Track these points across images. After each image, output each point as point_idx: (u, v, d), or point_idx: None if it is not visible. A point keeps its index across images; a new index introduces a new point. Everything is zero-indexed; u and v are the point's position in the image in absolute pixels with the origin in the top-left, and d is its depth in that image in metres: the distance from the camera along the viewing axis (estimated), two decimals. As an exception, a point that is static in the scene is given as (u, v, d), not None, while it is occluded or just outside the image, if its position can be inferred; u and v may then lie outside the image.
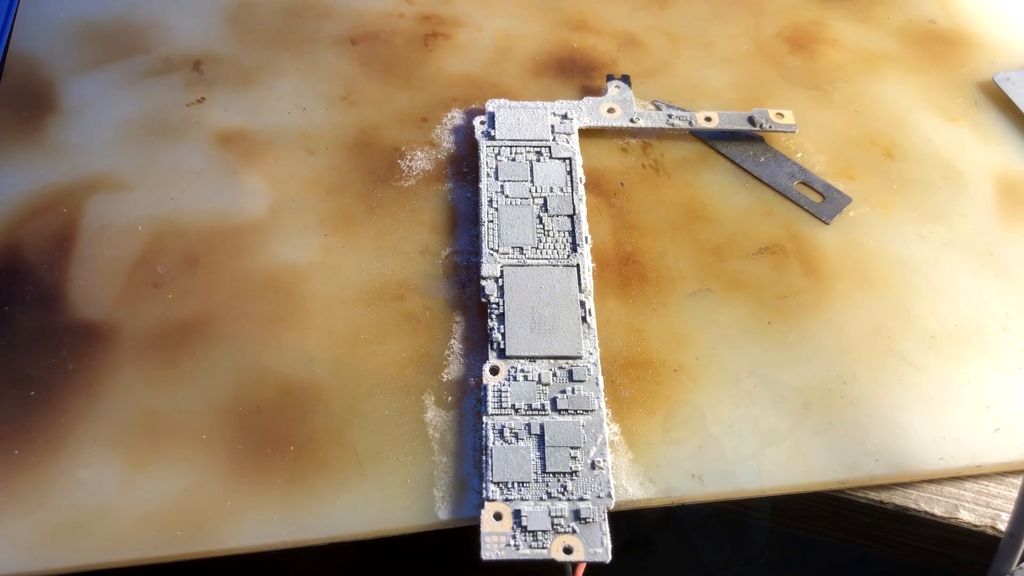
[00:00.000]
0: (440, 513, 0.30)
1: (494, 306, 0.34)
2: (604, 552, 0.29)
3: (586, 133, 0.40)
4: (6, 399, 0.32)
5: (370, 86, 0.41)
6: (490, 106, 0.39)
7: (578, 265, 0.35)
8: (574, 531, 0.29)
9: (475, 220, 0.37)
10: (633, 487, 0.31)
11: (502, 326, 0.33)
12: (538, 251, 0.35)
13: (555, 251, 0.35)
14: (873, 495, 0.32)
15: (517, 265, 0.35)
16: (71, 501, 0.30)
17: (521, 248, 0.35)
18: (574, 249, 0.35)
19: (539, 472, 0.30)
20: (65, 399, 0.32)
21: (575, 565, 0.29)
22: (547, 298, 0.34)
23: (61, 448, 0.31)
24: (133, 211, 0.36)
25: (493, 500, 0.30)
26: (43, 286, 0.34)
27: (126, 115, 0.39)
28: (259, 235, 0.36)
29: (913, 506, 0.32)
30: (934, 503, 0.32)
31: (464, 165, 0.39)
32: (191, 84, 0.40)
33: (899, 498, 0.32)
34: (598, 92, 0.41)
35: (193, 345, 0.33)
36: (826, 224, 0.38)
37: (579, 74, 0.42)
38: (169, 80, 0.41)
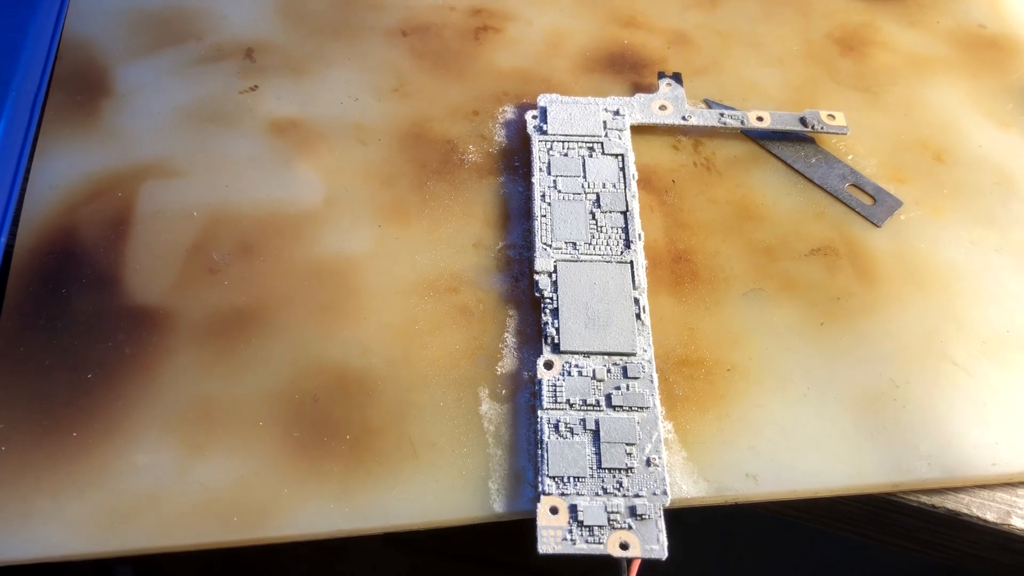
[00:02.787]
0: (495, 506, 0.30)
1: (548, 301, 0.34)
2: (660, 549, 0.29)
3: (637, 130, 0.40)
4: (64, 382, 0.32)
5: (422, 78, 0.41)
6: (542, 100, 0.39)
7: (632, 261, 0.35)
8: (630, 527, 0.29)
9: (527, 215, 0.37)
10: (687, 485, 0.31)
11: (556, 321, 0.33)
12: (591, 247, 0.35)
13: (608, 247, 0.35)
14: (924, 499, 0.32)
15: (570, 260, 0.35)
16: (127, 485, 0.30)
17: (574, 243, 0.35)
18: (627, 245, 0.35)
19: (594, 468, 0.30)
20: (122, 383, 0.32)
21: (630, 562, 0.29)
22: (601, 294, 0.34)
23: (118, 432, 0.31)
24: (187, 197, 0.36)
25: (549, 494, 0.30)
26: (99, 270, 0.34)
27: (179, 101, 0.39)
28: (313, 225, 0.36)
29: (965, 511, 0.32)
30: (986, 509, 0.32)
31: (516, 159, 0.39)
32: (244, 72, 0.41)
33: (951, 503, 0.32)
34: (648, 89, 0.41)
35: (248, 332, 0.33)
36: (877, 227, 0.38)
37: (629, 71, 0.42)
38: (222, 68, 0.41)
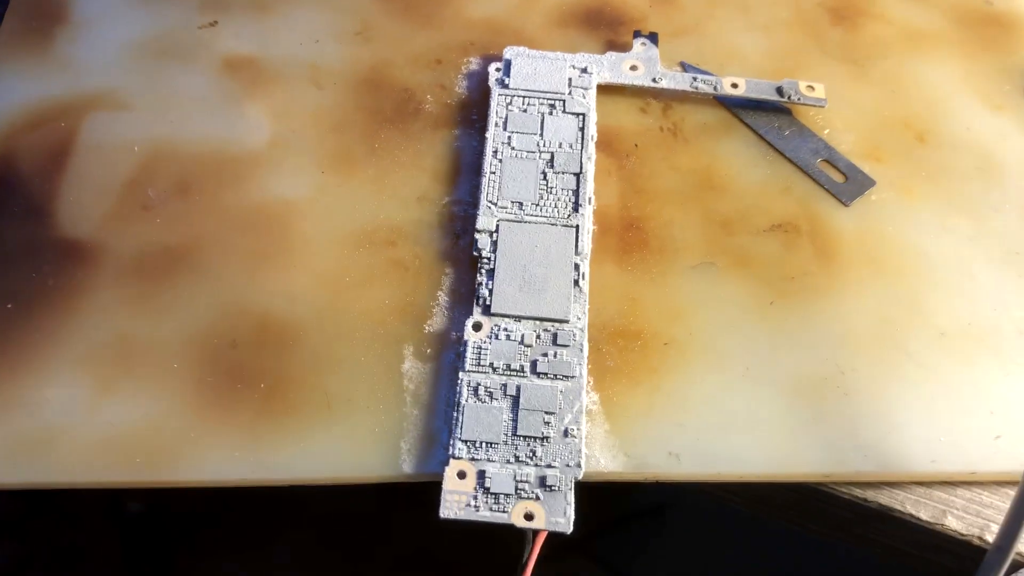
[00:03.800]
0: (404, 466, 0.29)
1: (485, 261, 0.33)
2: (566, 522, 0.28)
3: (605, 90, 0.38)
4: (-17, 310, 0.31)
5: (387, 23, 0.40)
6: (507, 53, 0.38)
7: (578, 226, 0.33)
8: (538, 498, 0.29)
9: (478, 171, 0.35)
10: (606, 459, 0.30)
11: (491, 282, 0.32)
12: (538, 208, 0.34)
13: (556, 210, 0.34)
14: (858, 492, 0.31)
15: (514, 220, 0.34)
16: (35, 418, 0.30)
17: (521, 203, 0.34)
18: (576, 209, 0.34)
19: (509, 434, 0.30)
20: (41, 315, 0.31)
21: (535, 533, 0.29)
22: (541, 257, 0.33)
23: (31, 364, 0.30)
24: (131, 131, 0.36)
25: (459, 458, 0.29)
26: (32, 200, 0.34)
27: (136, 32, 0.38)
28: (255, 167, 0.35)
29: (899, 507, 0.31)
30: (921, 506, 0.31)
31: (474, 112, 0.37)
32: (205, 6, 0.40)
33: (884, 498, 0.31)
34: (623, 48, 0.40)
35: (175, 272, 0.33)
36: (845, 206, 0.36)
37: (606, 27, 0.41)
38: (183, 0, 0.40)
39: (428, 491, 0.29)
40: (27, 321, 0.31)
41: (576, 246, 0.33)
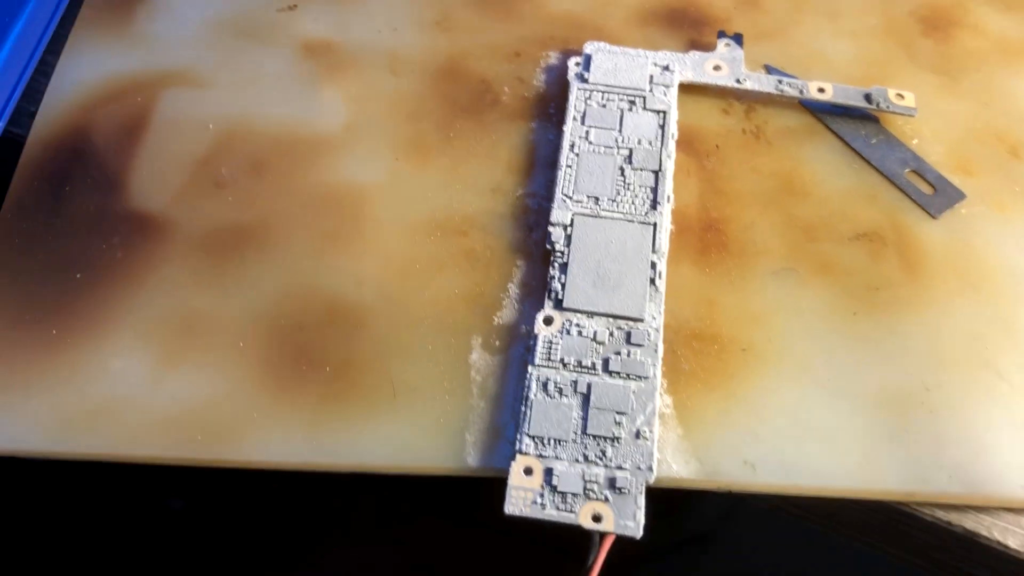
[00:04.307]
0: (469, 459, 0.28)
1: (558, 254, 0.32)
2: (635, 527, 0.27)
3: (687, 89, 0.37)
4: (53, 278, 0.31)
5: (466, 14, 0.39)
6: (588, 48, 0.37)
7: (655, 224, 0.32)
8: (607, 499, 0.27)
9: (553, 164, 0.35)
10: (678, 464, 0.29)
11: (564, 276, 0.31)
12: (615, 204, 0.33)
13: (633, 206, 0.33)
14: (941, 515, 0.29)
15: (589, 215, 0.33)
16: (98, 389, 0.29)
17: (597, 199, 0.33)
18: (654, 207, 0.33)
19: (579, 432, 0.28)
20: (109, 287, 0.31)
21: (602, 537, 0.27)
22: (616, 254, 0.32)
23: (98, 335, 0.30)
24: (206, 109, 0.35)
25: (526, 454, 0.28)
26: (106, 171, 0.33)
27: (215, 12, 0.38)
28: (329, 150, 0.35)
29: (985, 533, 0.29)
30: (1009, 534, 0.29)
31: (551, 106, 0.37)
32: (285, -10, 0.39)
33: (970, 522, 0.29)
34: (707, 49, 0.39)
35: (245, 251, 0.32)
36: (933, 218, 0.34)
37: (689, 27, 0.40)
38: (264, -17, 0.39)
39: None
40: (95, 291, 0.31)
41: (653, 244, 0.32)
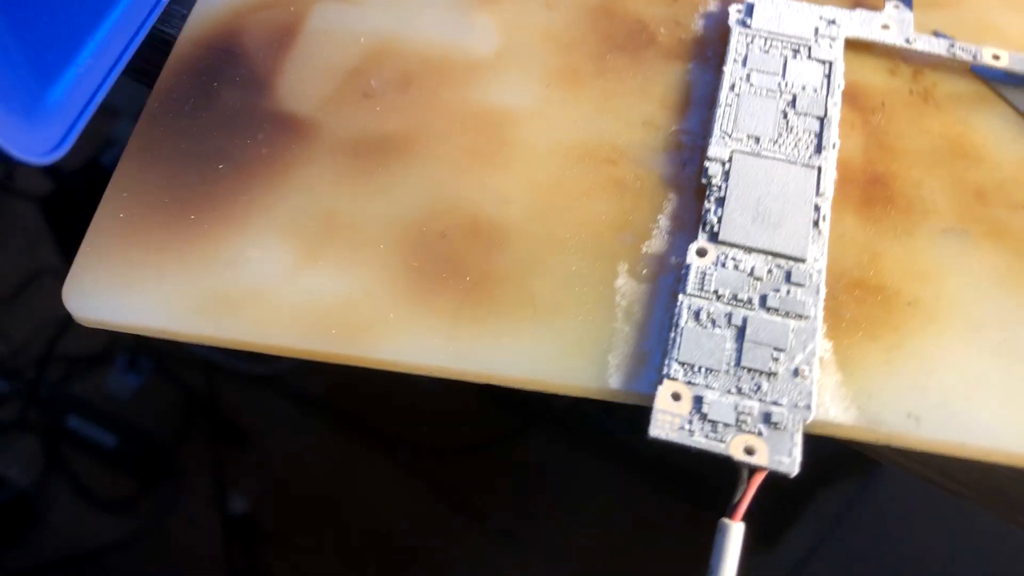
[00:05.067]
0: (611, 380, 0.27)
1: (715, 189, 0.30)
2: (791, 463, 0.25)
3: (852, 47, 0.35)
4: (194, 166, 0.30)
5: (624, -42, 0.38)
6: (750, -4, 0.36)
7: (820, 167, 0.31)
8: (760, 433, 0.25)
9: (710, 104, 0.33)
10: (836, 409, 0.26)
11: (720, 210, 0.30)
12: (776, 145, 0.31)
13: (796, 150, 0.31)
14: None
15: (749, 154, 0.31)
16: (234, 276, 0.28)
17: (757, 138, 0.31)
18: (818, 151, 0.31)
19: (732, 364, 0.27)
20: (251, 179, 0.30)
21: (752, 472, 0.25)
22: (778, 193, 0.30)
23: (237, 224, 0.29)
24: (358, 24, 0.35)
25: (674, 379, 0.26)
26: (255, 72, 0.33)
27: (373, -64, 0.38)
28: (479, 73, 0.34)
29: None
30: None
31: (709, 50, 0.35)
32: (444, -80, 0.39)
33: None
34: (874, 10, 0.37)
35: (390, 158, 0.31)
36: (1119, 194, 0.32)
37: (854, -10, 0.38)
38: (422, -86, 0.39)
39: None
40: (237, 183, 0.30)
41: (817, 187, 0.30)
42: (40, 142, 0.24)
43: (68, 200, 0.92)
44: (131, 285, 0.28)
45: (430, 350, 0.27)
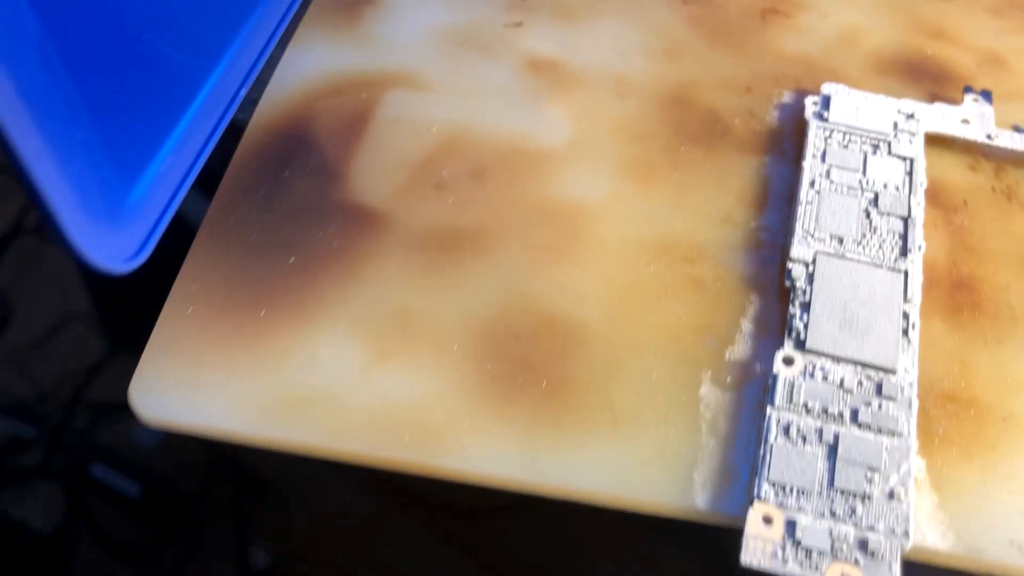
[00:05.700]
0: (698, 500, 0.26)
1: (799, 292, 0.29)
2: (892, 596, 0.24)
3: (931, 142, 0.34)
4: (266, 259, 0.30)
5: (695, 46, 0.38)
6: (826, 88, 0.35)
7: (907, 271, 0.30)
8: (857, 562, 0.24)
9: (789, 200, 0.32)
10: (934, 535, 0.25)
11: (806, 315, 0.29)
12: (860, 247, 0.30)
13: (881, 251, 0.30)
14: None
15: (833, 255, 0.30)
16: (304, 376, 0.28)
17: (840, 239, 0.30)
18: (904, 254, 0.30)
19: (825, 485, 0.25)
20: (323, 273, 0.30)
21: (848, 603, 0.24)
22: (864, 298, 0.29)
23: (307, 320, 0.29)
24: (430, 111, 0.34)
25: (765, 501, 0.25)
26: (326, 161, 0.32)
27: (442, 22, 0.38)
28: (552, 164, 0.33)
29: None
30: None
31: (786, 143, 0.34)
32: (512, 7, 0.38)
33: None
34: (950, 104, 0.36)
35: (463, 253, 0.30)
36: None
37: (929, 81, 0.37)
38: (490, 1, 0.39)
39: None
40: (308, 277, 0.29)
41: (905, 292, 0.29)
42: (122, 247, 0.24)
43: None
44: (198, 384, 0.27)
45: (506, 461, 0.26)
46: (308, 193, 0.32)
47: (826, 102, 0.35)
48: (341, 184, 0.32)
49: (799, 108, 0.35)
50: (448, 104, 0.35)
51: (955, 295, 0.30)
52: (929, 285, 0.30)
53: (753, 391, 0.28)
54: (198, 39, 0.29)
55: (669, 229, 0.31)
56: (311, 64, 0.36)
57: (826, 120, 0.34)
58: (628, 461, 0.26)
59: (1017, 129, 0.36)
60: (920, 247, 0.30)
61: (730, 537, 0.25)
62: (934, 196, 0.33)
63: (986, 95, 0.36)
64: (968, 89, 0.36)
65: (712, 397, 0.28)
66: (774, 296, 0.30)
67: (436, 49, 0.36)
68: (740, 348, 0.29)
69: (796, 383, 0.27)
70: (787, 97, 0.36)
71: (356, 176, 0.32)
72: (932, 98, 0.37)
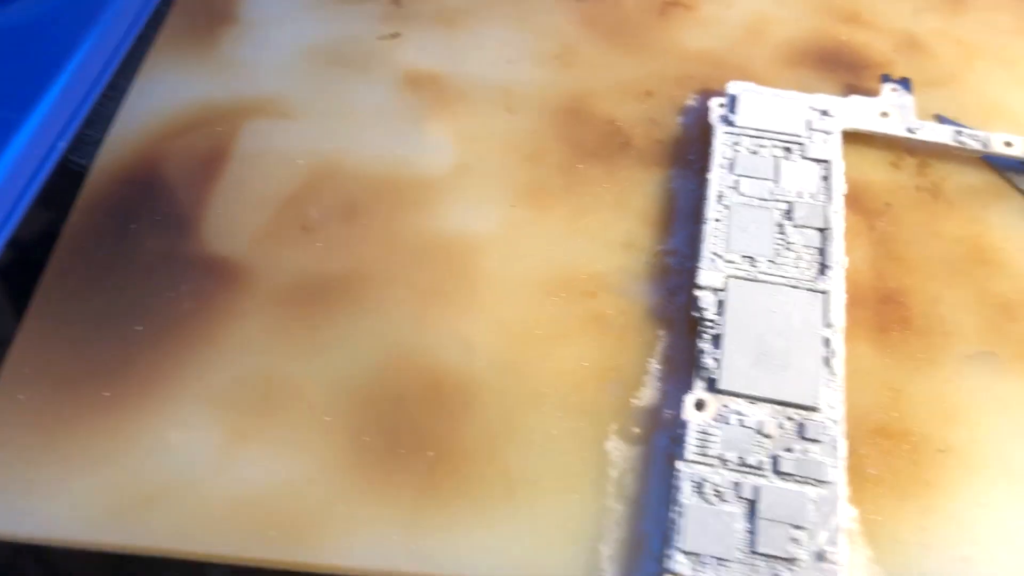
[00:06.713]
0: (604, 576, 0.23)
1: (709, 324, 0.26)
2: None
3: (849, 138, 0.32)
4: (109, 330, 0.26)
5: (591, 49, 0.34)
6: (732, 88, 0.32)
7: (826, 292, 0.27)
8: (786, 642, 0.21)
9: (697, 217, 0.29)
10: (870, 597, 0.22)
11: (717, 350, 0.26)
12: (775, 265, 0.27)
13: (797, 270, 0.27)
14: None
15: (746, 279, 0.27)
16: (154, 465, 0.24)
17: (753, 259, 0.28)
18: (822, 271, 0.27)
19: (746, 551, 0.22)
20: (174, 343, 0.26)
21: None
22: (781, 327, 0.26)
23: (157, 400, 0.25)
24: (296, 143, 0.31)
25: (678, 574, 0.22)
26: (178, 209, 0.29)
27: (309, 38, 0.34)
28: (435, 194, 0.30)
29: None
30: None
31: (691, 152, 0.31)
32: (387, 17, 0.35)
33: None
34: (867, 94, 0.33)
35: (335, 307, 0.27)
36: None
37: (845, 71, 0.34)
38: (363, 9, 0.35)
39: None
40: (157, 347, 0.26)
41: (825, 316, 0.26)
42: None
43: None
44: (32, 486, 0.24)
45: (387, 549, 0.23)
46: (157, 248, 0.28)
47: (733, 103, 0.32)
48: (194, 234, 0.28)
49: (704, 112, 0.32)
50: (316, 132, 0.31)
51: (881, 312, 0.28)
52: (853, 303, 0.28)
53: (663, 441, 0.25)
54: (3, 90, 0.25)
55: (567, 260, 0.28)
56: (162, 96, 0.32)
57: (733, 124, 0.31)
58: (526, 538, 0.23)
59: (940, 119, 0.33)
60: (841, 263, 0.28)
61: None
62: (855, 200, 0.30)
63: (905, 83, 0.33)
64: (886, 78, 0.33)
65: (619, 453, 0.25)
66: (684, 329, 0.27)
67: (303, 70, 0.33)
68: (648, 392, 0.26)
69: (710, 431, 0.24)
70: (692, 100, 0.33)
71: (212, 224, 0.29)
72: (848, 90, 0.34)
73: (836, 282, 0.27)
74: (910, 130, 0.32)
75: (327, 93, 0.32)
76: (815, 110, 0.32)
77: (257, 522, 0.23)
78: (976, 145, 0.31)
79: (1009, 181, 0.32)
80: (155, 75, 0.33)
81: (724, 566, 0.22)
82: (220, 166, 0.30)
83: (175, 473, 0.24)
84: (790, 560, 0.22)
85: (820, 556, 0.22)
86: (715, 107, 0.32)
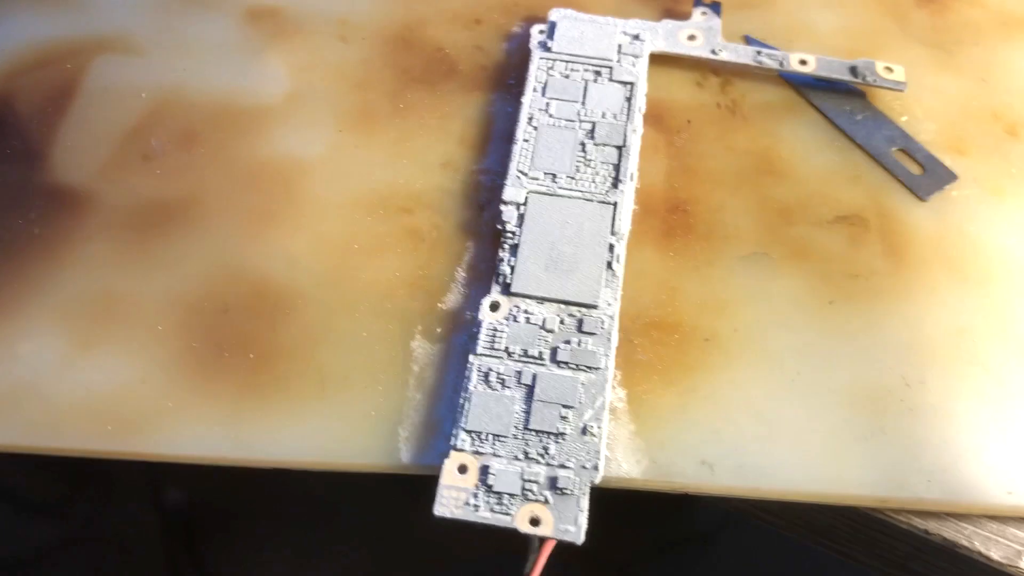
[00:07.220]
0: (402, 455, 0.26)
1: (509, 235, 0.29)
2: (577, 531, 0.25)
3: (659, 60, 0.35)
4: (-39, 255, 0.29)
5: (426, -21, 0.37)
6: (553, 15, 0.35)
7: (616, 204, 0.30)
8: (546, 501, 0.25)
9: (511, 139, 0.32)
10: (629, 463, 0.26)
11: (513, 259, 0.29)
12: (574, 181, 0.30)
13: (593, 184, 0.30)
14: (918, 522, 0.27)
15: (545, 193, 0.30)
16: (5, 373, 0.27)
17: (554, 176, 0.31)
18: (615, 185, 0.30)
19: (520, 428, 0.26)
20: (23, 264, 0.29)
21: (541, 541, 0.25)
22: (572, 235, 0.29)
23: (7, 315, 0.28)
24: (141, 77, 0.33)
25: (461, 450, 0.26)
26: (27, 142, 0.31)
27: (155, -25, 0.36)
28: (268, 121, 0.32)
29: (965, 543, 0.27)
30: (991, 544, 0.26)
31: (511, 77, 0.34)
32: (233, -48, 0.37)
33: (949, 531, 0.27)
34: (683, 18, 0.36)
35: (171, 228, 0.30)
36: (922, 201, 0.32)
37: (665, -4, 0.37)
38: (211, -55, 0.37)
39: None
40: (8, 268, 0.29)
41: (612, 225, 0.30)
42: None
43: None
44: None
45: (211, 439, 0.26)
46: (9, 179, 0.30)
47: (552, 29, 0.34)
48: (43, 165, 0.31)
49: (527, 38, 0.35)
50: (160, 67, 0.33)
51: (669, 220, 0.31)
52: (645, 213, 0.31)
53: (462, 340, 0.28)
54: None
55: (388, 180, 0.31)
56: (11, 35, 0.34)
57: (550, 50, 0.34)
58: (334, 426, 0.27)
59: (748, 40, 0.36)
60: (632, 176, 0.31)
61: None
62: (658, 119, 0.33)
63: (715, 7, 0.36)
64: (698, 2, 0.36)
65: (422, 351, 0.28)
66: (490, 240, 0.30)
67: (148, 7, 0.35)
68: (452, 298, 0.29)
69: (499, 328, 0.28)
70: (517, 27, 0.36)
71: (60, 155, 0.31)
72: (664, 14, 0.36)
73: (627, 195, 0.30)
74: (714, 51, 0.35)
75: (171, 29, 0.34)
76: (627, 34, 0.34)
77: (98, 419, 0.26)
78: (773, 64, 0.34)
79: (804, 96, 0.35)
80: (4, 14, 0.34)
81: (500, 441, 0.26)
82: (68, 101, 0.32)
83: (25, 379, 0.27)
84: (558, 435, 0.26)
85: (584, 431, 0.26)
86: (535, 33, 0.34)
